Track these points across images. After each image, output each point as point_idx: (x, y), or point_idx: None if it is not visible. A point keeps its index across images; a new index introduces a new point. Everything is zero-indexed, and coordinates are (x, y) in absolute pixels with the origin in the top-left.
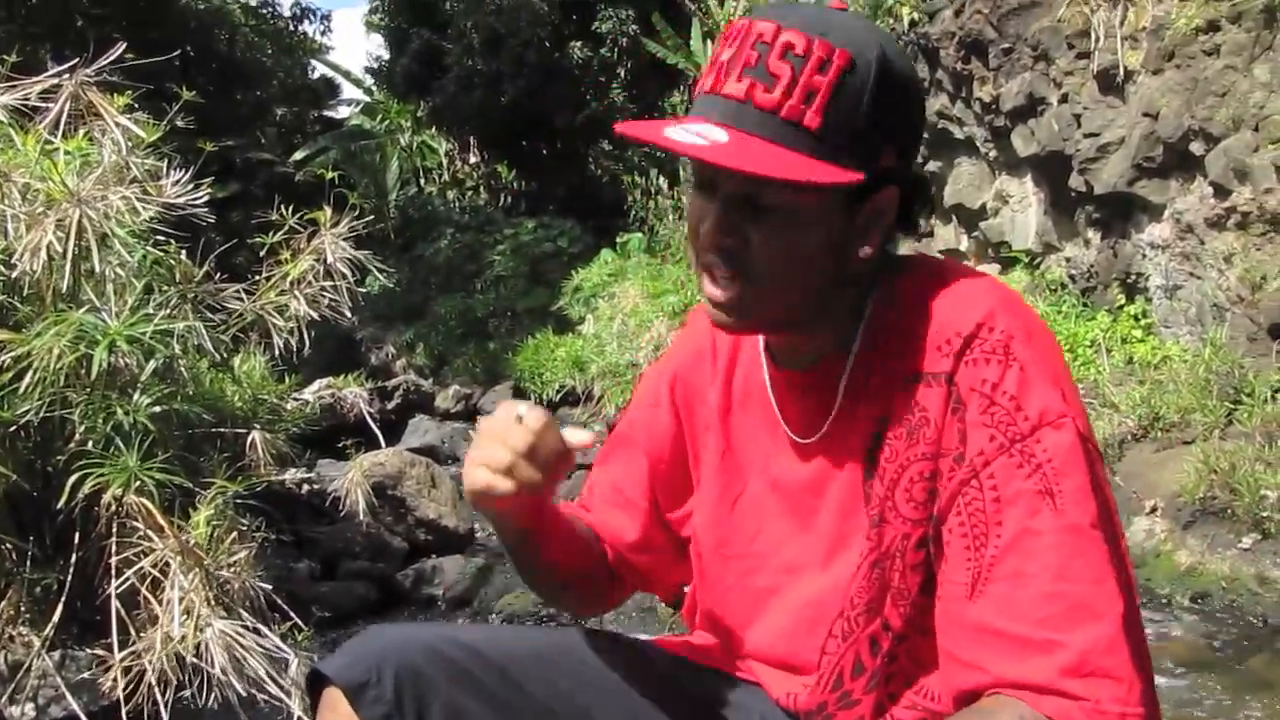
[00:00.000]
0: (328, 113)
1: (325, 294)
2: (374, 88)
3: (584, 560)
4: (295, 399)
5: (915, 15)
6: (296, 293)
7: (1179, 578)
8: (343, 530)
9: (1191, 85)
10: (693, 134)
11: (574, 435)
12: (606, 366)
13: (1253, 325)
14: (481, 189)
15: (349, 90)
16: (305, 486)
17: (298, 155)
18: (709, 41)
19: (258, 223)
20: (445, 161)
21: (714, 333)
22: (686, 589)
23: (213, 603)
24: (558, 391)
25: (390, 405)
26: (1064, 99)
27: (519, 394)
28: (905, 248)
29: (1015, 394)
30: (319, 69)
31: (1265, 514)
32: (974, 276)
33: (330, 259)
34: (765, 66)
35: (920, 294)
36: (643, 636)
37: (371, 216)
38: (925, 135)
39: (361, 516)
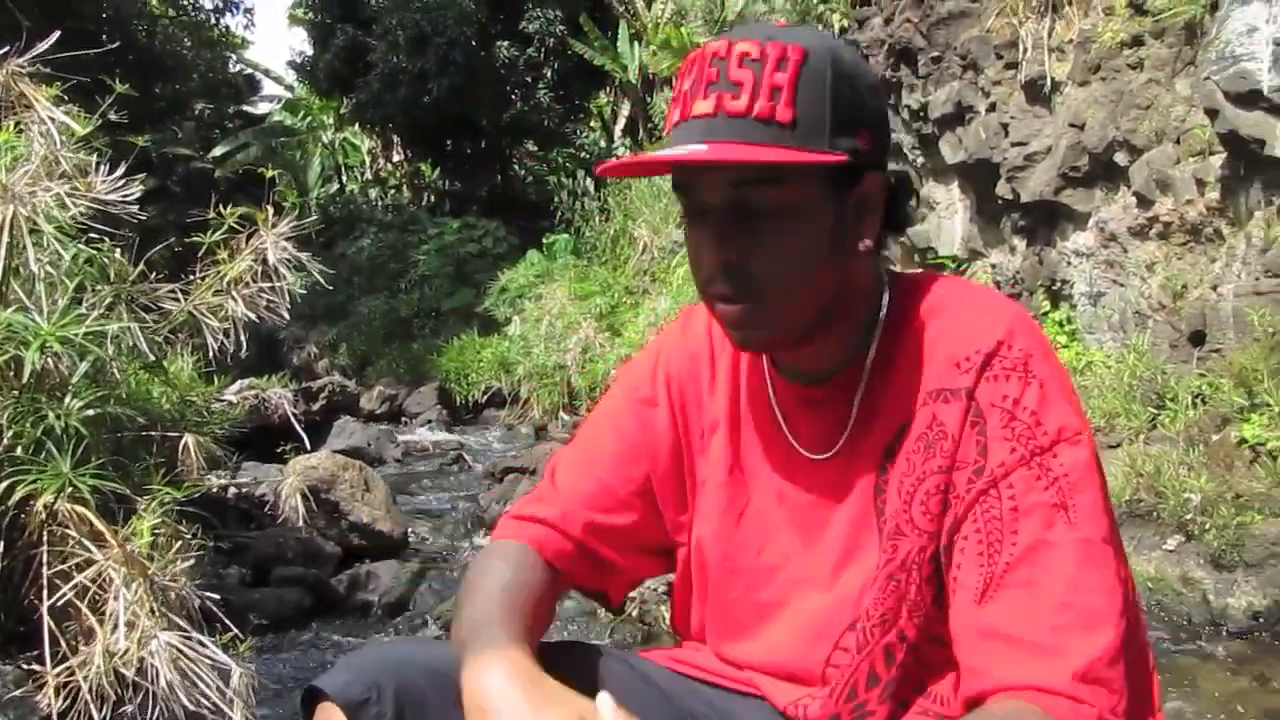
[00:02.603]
0: (247, 108)
1: (263, 295)
2: (296, 84)
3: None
4: (218, 400)
5: (845, 22)
6: (234, 293)
7: None
8: (274, 535)
9: (1116, 97)
10: (671, 153)
11: None
12: (533, 368)
13: (1174, 332)
14: (404, 187)
15: (269, 86)
16: (231, 490)
17: (217, 150)
18: (636, 43)
19: (188, 221)
20: (368, 159)
21: (713, 338)
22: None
23: (156, 614)
24: (483, 393)
25: (315, 406)
26: (992, 108)
27: (444, 395)
28: None
29: (1035, 409)
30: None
31: (1189, 516)
32: (987, 294)
33: (272, 260)
34: (727, 77)
35: (935, 310)
36: (632, 651)
37: (303, 213)
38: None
39: (299, 521)
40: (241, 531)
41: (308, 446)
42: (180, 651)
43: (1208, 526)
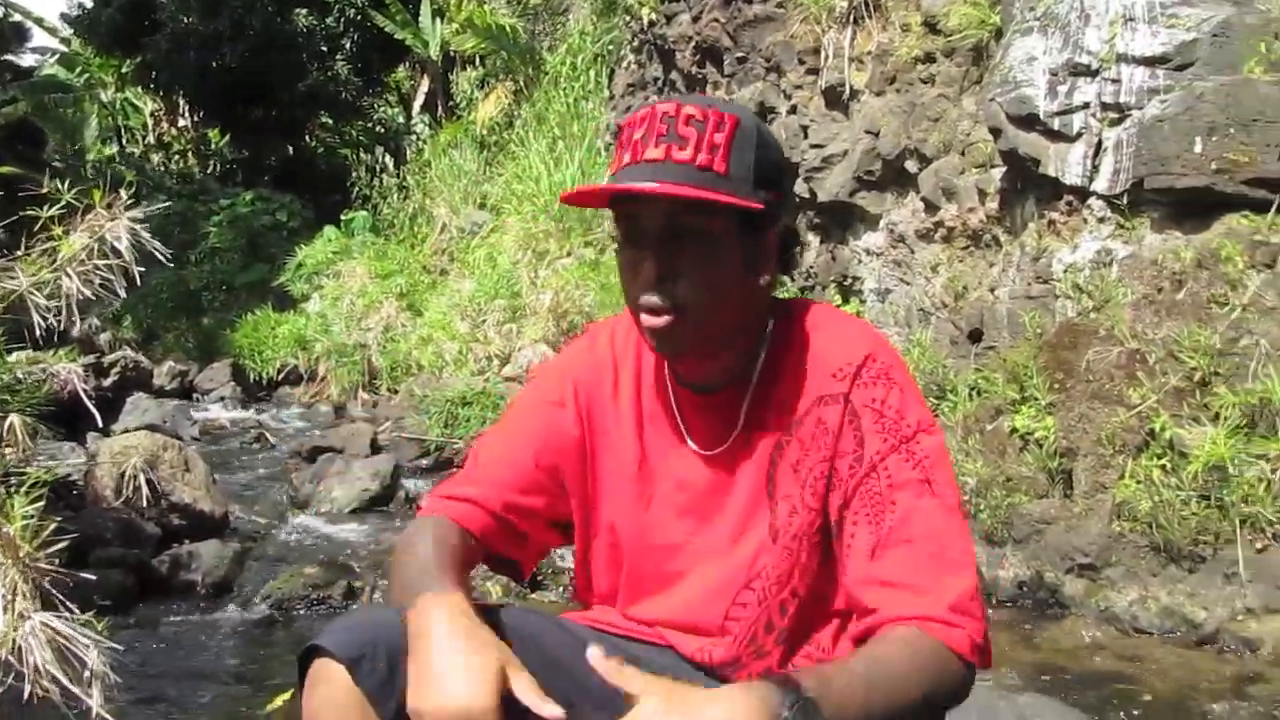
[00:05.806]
0: (13, 58)
1: (98, 272)
2: (72, 37)
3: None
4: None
5: (654, 15)
6: (69, 270)
7: None
8: (89, 516)
9: (909, 109)
10: (638, 185)
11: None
12: (332, 346)
13: (955, 329)
14: (190, 154)
15: (41, 37)
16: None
17: None
18: (438, 20)
19: None
20: (150, 123)
21: (616, 352)
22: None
23: (29, 595)
24: (279, 370)
25: (106, 382)
26: (793, 110)
27: (238, 371)
28: None
29: (899, 408)
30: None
31: (965, 498)
32: (851, 320)
33: (123, 247)
34: (675, 132)
35: (812, 331)
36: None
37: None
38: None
39: (116, 501)
40: (56, 514)
41: (99, 423)
42: (57, 631)
43: (982, 507)
